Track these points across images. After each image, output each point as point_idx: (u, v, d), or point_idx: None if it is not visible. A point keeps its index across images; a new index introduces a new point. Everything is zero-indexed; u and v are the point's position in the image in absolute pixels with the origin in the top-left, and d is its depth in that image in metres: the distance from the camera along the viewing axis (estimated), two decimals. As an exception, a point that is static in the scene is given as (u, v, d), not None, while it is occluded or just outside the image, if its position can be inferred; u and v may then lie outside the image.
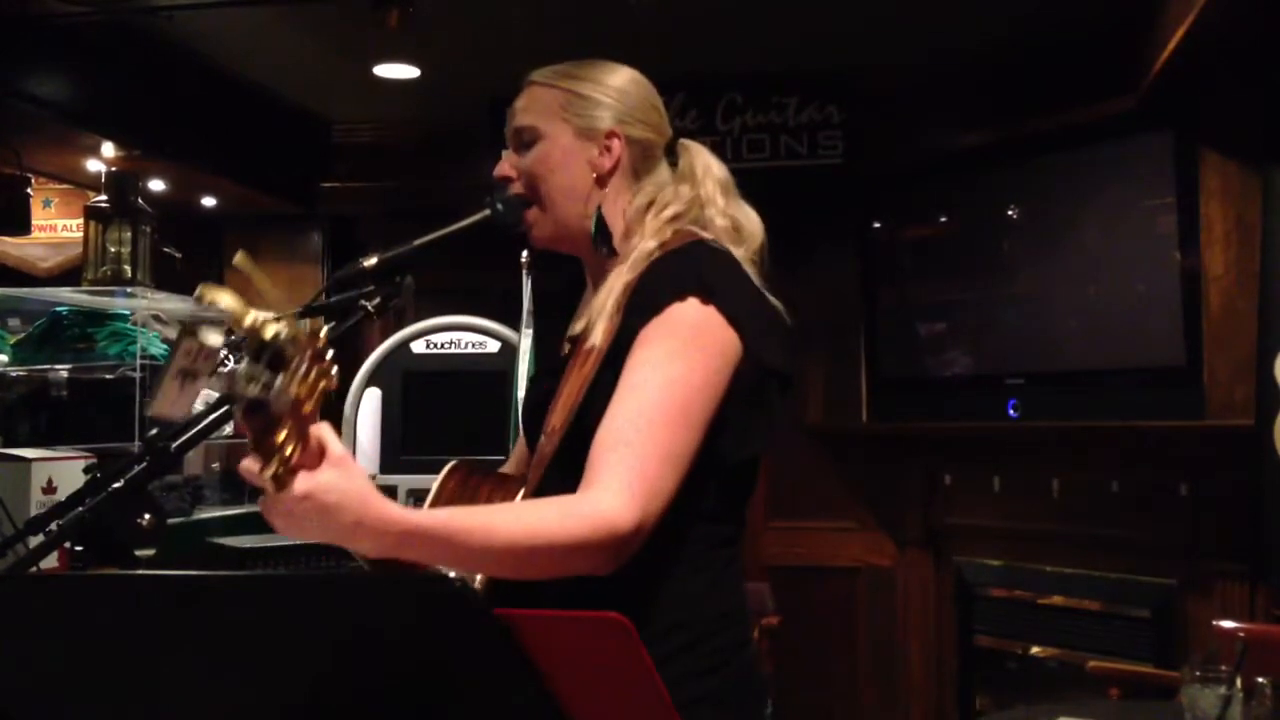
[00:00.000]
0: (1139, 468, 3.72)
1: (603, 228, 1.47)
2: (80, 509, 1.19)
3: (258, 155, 4.67)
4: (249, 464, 1.01)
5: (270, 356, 0.96)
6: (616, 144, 1.48)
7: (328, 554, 3.57)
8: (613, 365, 1.33)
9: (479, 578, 1.34)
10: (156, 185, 4.54)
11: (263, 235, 5.14)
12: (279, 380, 0.96)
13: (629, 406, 1.27)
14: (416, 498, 4.08)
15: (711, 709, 1.35)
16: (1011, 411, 4.07)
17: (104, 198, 4.02)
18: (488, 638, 0.81)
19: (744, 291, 1.39)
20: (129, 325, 3.98)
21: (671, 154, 1.53)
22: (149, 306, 4.14)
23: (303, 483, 1.03)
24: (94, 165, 4.30)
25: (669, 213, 1.45)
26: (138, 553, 2.86)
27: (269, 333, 0.97)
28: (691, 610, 1.37)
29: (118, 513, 1.16)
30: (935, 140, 4.33)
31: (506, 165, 1.51)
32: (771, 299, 1.44)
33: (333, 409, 4.75)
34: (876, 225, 4.63)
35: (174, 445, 1.22)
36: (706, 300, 1.33)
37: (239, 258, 1.03)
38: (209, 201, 4.92)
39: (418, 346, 4.49)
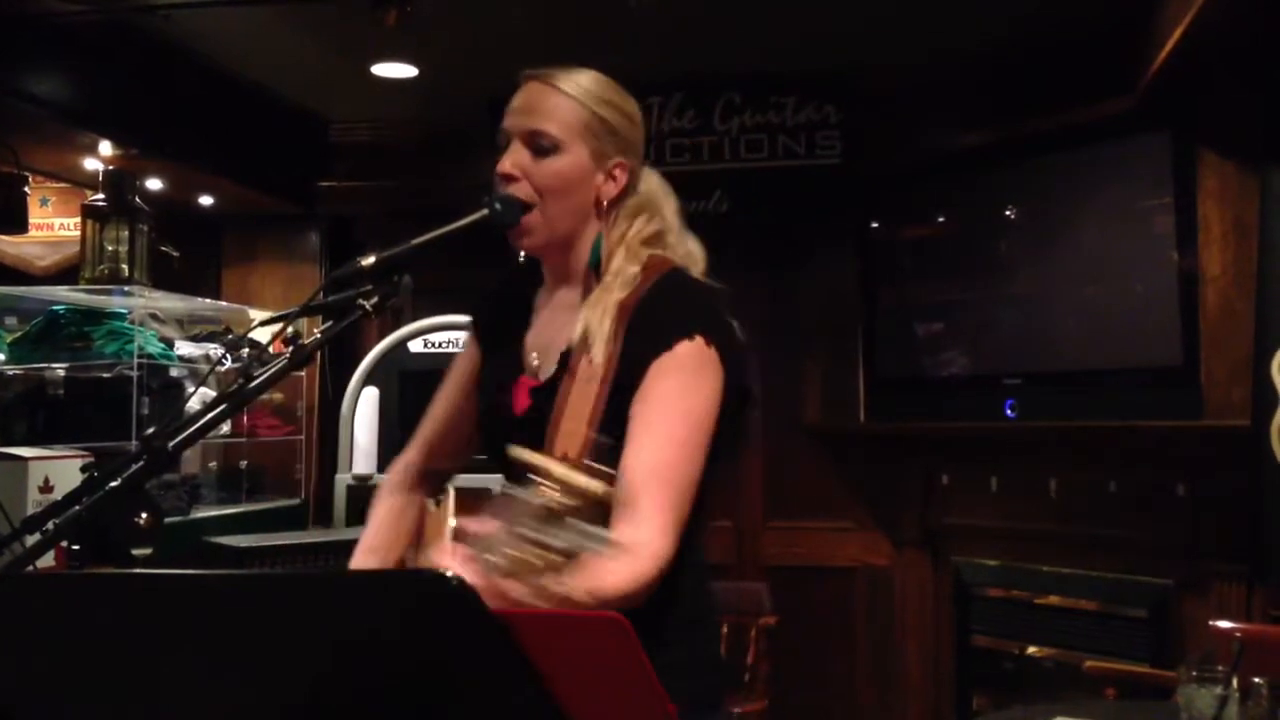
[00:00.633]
0: (1136, 468, 3.72)
1: (598, 252, 1.52)
2: (77, 508, 1.18)
3: (256, 154, 4.67)
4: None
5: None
6: (621, 175, 1.53)
7: (325, 553, 3.57)
8: (621, 392, 1.41)
9: None
10: (154, 184, 4.54)
11: (260, 234, 5.14)
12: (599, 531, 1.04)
13: (656, 438, 1.39)
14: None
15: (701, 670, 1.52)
16: (1009, 411, 4.07)
17: (101, 196, 4.01)
18: (486, 636, 0.81)
19: (730, 327, 1.48)
20: (126, 324, 3.98)
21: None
22: (146, 305, 4.14)
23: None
24: (91, 164, 4.30)
25: (646, 235, 1.53)
26: (135, 552, 2.86)
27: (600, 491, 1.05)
28: (694, 605, 1.51)
29: (115, 512, 1.16)
30: (933, 140, 4.34)
31: (511, 163, 1.50)
32: (734, 323, 1.51)
33: (330, 407, 4.76)
34: (875, 225, 4.63)
35: (171, 444, 1.22)
36: (709, 341, 1.43)
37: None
38: (207, 200, 4.91)
39: (415, 346, 4.49)
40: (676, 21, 3.71)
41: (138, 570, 1.86)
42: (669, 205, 1.58)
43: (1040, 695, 3.75)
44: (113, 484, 1.19)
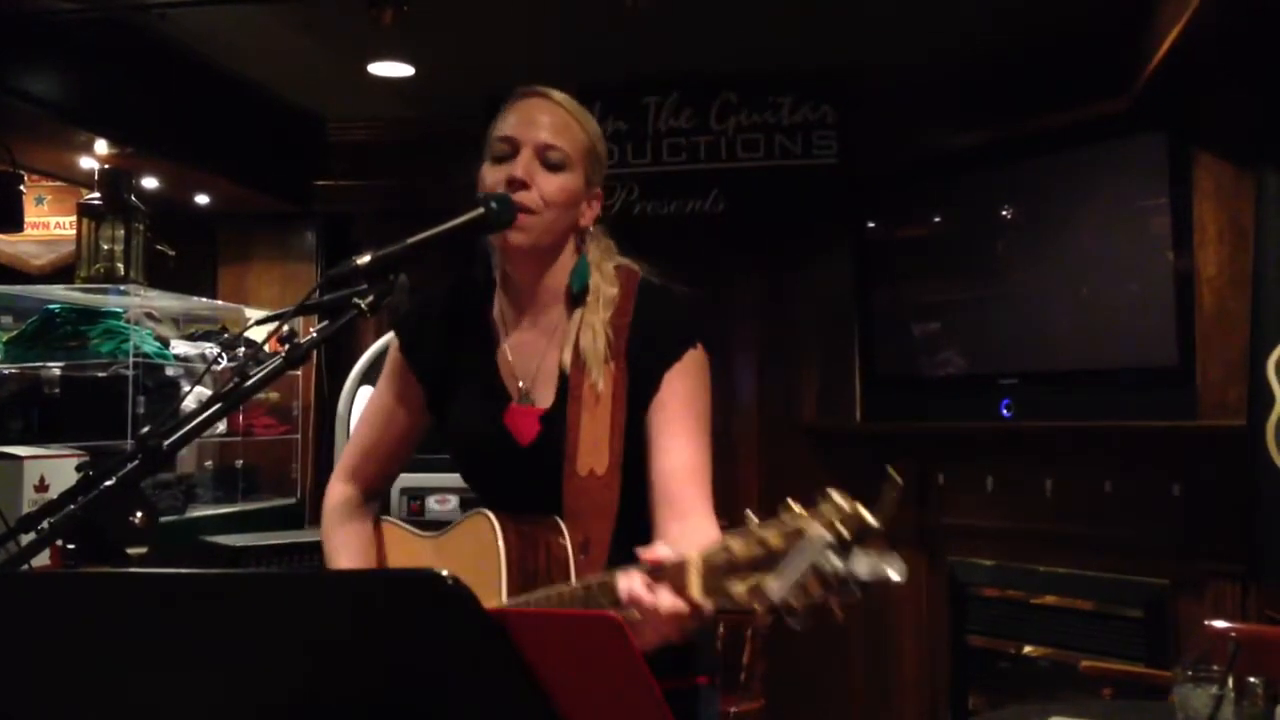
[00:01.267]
0: (1132, 468, 3.72)
1: (584, 276, 1.58)
2: (72, 507, 1.18)
3: (252, 153, 4.66)
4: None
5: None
6: (597, 205, 1.61)
7: (320, 553, 3.56)
8: (636, 406, 1.51)
9: (504, 592, 1.38)
10: (150, 183, 4.53)
11: (256, 233, 5.13)
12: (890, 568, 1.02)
13: (686, 438, 1.49)
14: (411, 496, 4.08)
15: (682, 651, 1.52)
16: (1005, 411, 4.08)
17: (97, 195, 4.01)
18: (482, 637, 0.81)
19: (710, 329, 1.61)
20: (122, 323, 3.97)
21: None
22: (142, 304, 4.13)
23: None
24: (87, 162, 4.29)
25: (611, 256, 1.61)
26: (130, 551, 2.86)
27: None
28: None
29: (110, 511, 1.15)
30: (930, 140, 4.34)
31: (524, 170, 1.51)
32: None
33: (326, 406, 4.76)
34: (871, 225, 4.63)
35: (166, 443, 1.22)
36: (705, 347, 1.55)
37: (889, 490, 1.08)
38: (202, 199, 4.90)
39: (412, 345, 4.49)
40: (673, 21, 3.71)
41: (133, 569, 1.86)
42: (600, 224, 1.65)
43: (1036, 695, 3.76)
44: (108, 483, 1.19)
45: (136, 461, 1.20)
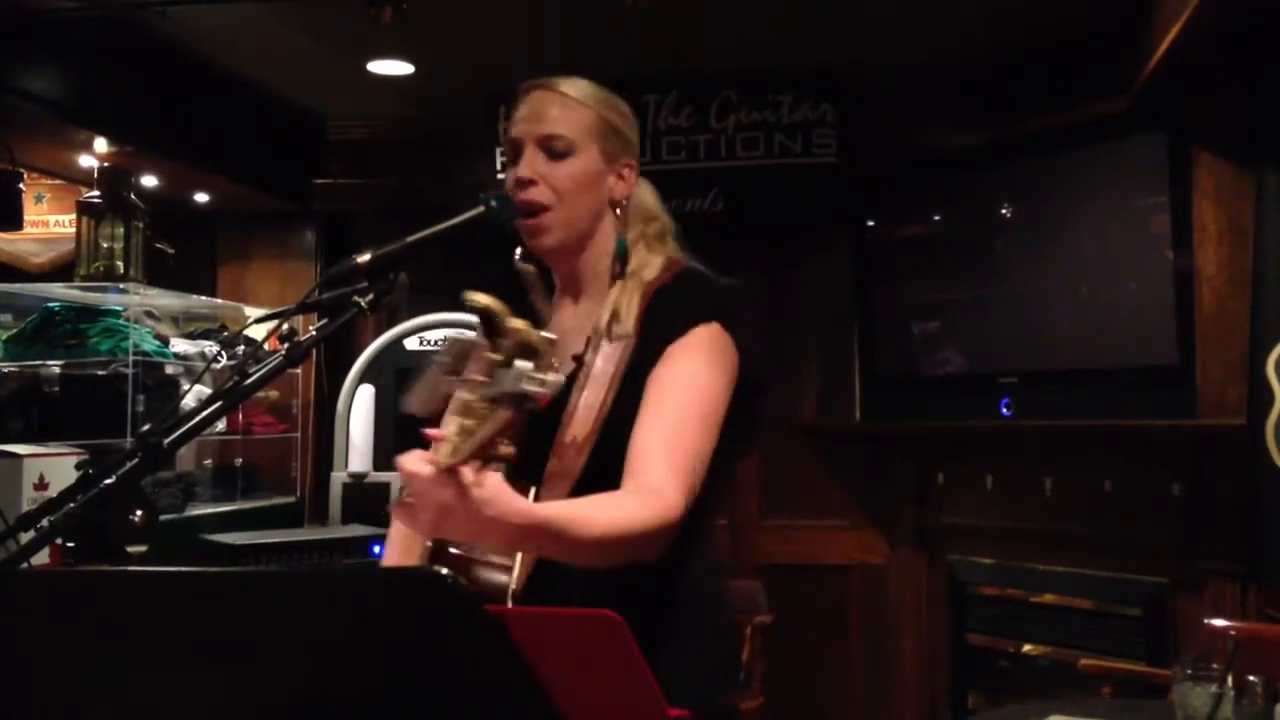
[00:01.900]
0: (1132, 467, 3.73)
1: (623, 245, 1.56)
2: (72, 505, 1.18)
3: (251, 152, 4.66)
4: (440, 456, 1.12)
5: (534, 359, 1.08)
6: (630, 174, 1.59)
7: (320, 550, 3.57)
8: (634, 380, 1.46)
9: (515, 582, 1.39)
10: (149, 181, 4.53)
11: (256, 232, 5.13)
12: (549, 377, 1.08)
13: (666, 411, 1.42)
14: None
15: (714, 674, 1.53)
16: (1004, 410, 4.08)
17: (97, 193, 4.00)
18: (480, 634, 0.81)
19: (743, 318, 1.54)
20: (121, 321, 3.97)
21: None
22: (141, 303, 4.13)
23: (487, 478, 1.13)
24: (87, 161, 4.28)
25: (658, 233, 1.60)
26: (130, 549, 2.86)
27: (536, 337, 1.09)
28: (707, 597, 1.54)
29: (110, 509, 1.15)
30: (929, 139, 4.34)
31: (527, 168, 1.52)
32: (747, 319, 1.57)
33: (325, 405, 4.76)
34: (871, 224, 4.63)
35: (166, 442, 1.22)
36: (724, 326, 1.49)
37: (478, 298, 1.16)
38: (202, 198, 4.90)
39: (411, 343, 4.49)
40: (673, 19, 3.70)
41: (133, 568, 1.86)
42: (662, 210, 1.64)
43: (1035, 693, 3.76)
44: (108, 481, 1.19)
45: (136, 460, 1.20)
